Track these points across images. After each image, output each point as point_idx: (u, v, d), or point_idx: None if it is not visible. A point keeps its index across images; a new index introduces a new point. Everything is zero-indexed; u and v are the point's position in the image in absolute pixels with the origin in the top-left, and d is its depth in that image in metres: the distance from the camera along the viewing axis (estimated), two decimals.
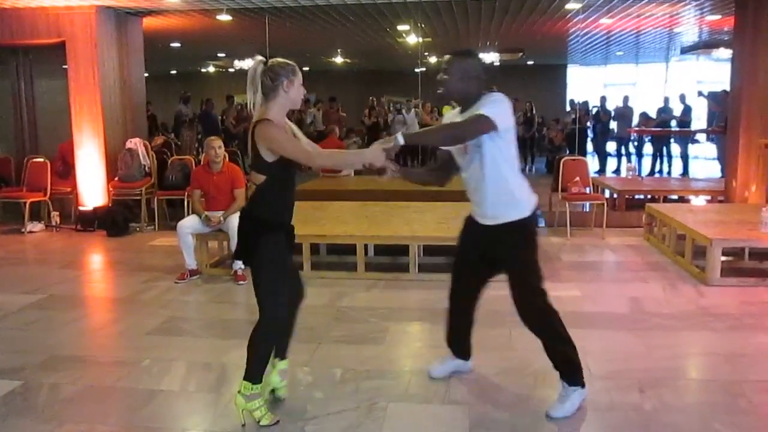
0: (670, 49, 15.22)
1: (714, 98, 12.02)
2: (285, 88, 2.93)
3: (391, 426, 3.07)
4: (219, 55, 15.99)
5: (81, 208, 8.25)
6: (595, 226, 7.68)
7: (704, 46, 13.19)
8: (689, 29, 11.61)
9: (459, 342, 3.51)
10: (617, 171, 12.95)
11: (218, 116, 13.41)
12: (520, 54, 14.88)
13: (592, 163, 12.16)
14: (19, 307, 4.97)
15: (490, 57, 14.44)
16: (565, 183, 7.76)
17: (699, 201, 8.65)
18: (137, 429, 3.09)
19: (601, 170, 12.74)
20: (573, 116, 12.99)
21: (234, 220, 5.62)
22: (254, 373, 3.00)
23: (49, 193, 8.19)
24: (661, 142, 12.67)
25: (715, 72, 14.76)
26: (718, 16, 9.68)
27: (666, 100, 13.56)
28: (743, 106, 7.58)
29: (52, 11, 8.05)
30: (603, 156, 13.33)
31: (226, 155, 6.04)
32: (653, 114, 13.15)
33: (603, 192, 8.84)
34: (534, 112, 13.81)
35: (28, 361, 3.86)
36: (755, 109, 7.45)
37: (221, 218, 5.65)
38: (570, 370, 3.13)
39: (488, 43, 13.59)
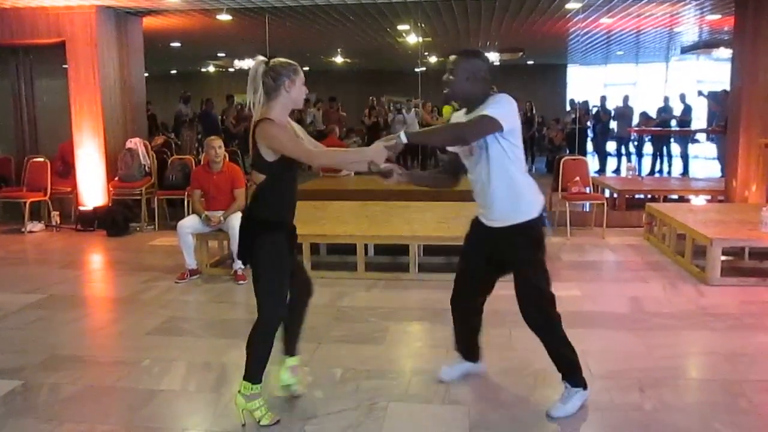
0: (670, 49, 15.20)
1: (714, 98, 12.01)
2: (287, 88, 2.93)
3: (391, 426, 3.07)
4: (219, 54, 15.97)
5: (81, 207, 8.26)
6: (595, 226, 7.69)
7: (704, 45, 13.17)
8: (689, 29, 11.60)
9: (467, 345, 3.47)
10: (617, 171, 12.94)
11: (218, 116, 13.40)
12: (520, 54, 14.86)
13: (592, 162, 12.15)
14: (20, 307, 4.97)
15: (490, 57, 14.43)
16: (565, 183, 7.76)
17: (699, 201, 8.64)
18: (137, 429, 3.09)
19: (601, 170, 12.73)
20: (573, 116, 12.97)
21: (234, 220, 5.62)
22: (253, 372, 3.00)
23: (49, 192, 8.19)
24: (661, 142, 12.66)
25: (715, 72, 14.73)
26: (718, 16, 9.67)
27: (666, 99, 13.54)
28: (743, 105, 7.58)
29: (52, 11, 8.05)
30: (603, 156, 13.32)
31: (226, 155, 6.04)
32: (653, 114, 13.13)
33: (603, 192, 8.83)
34: (534, 111, 13.79)
35: (28, 361, 3.86)
36: (755, 108, 7.45)
37: (221, 218, 5.65)
38: (572, 372, 3.13)
39: (488, 43, 13.58)
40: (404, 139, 2.84)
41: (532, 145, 13.59)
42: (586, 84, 18.51)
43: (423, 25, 11.08)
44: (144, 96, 9.33)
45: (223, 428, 3.07)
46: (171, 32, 11.17)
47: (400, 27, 11.40)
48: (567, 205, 7.43)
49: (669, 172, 12.41)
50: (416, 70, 12.74)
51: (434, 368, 3.69)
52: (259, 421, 3.02)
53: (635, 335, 4.23)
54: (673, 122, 13.01)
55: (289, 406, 3.26)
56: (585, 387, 3.15)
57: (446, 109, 13.57)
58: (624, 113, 13.07)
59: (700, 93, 12.74)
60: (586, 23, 10.39)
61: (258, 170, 2.95)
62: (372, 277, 5.64)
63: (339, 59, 16.15)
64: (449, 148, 3.23)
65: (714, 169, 11.89)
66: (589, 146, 13.65)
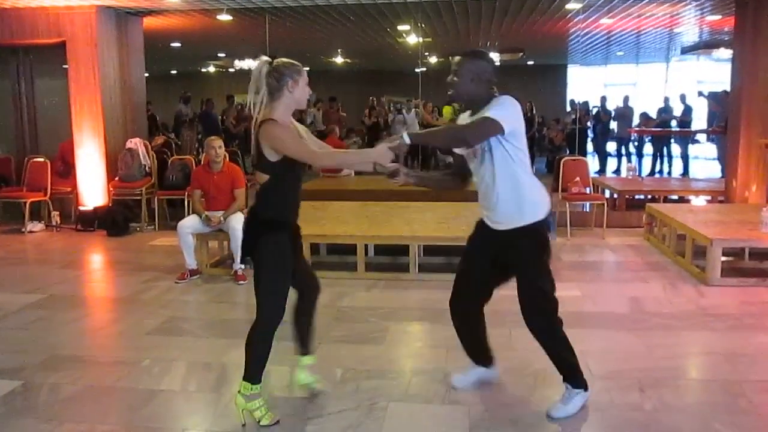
0: (670, 49, 15.20)
1: (714, 98, 12.01)
2: (290, 89, 2.94)
3: (391, 426, 3.07)
4: (219, 55, 15.97)
5: (81, 207, 8.26)
6: (596, 226, 7.69)
7: (705, 46, 13.17)
8: (690, 29, 11.60)
9: (475, 350, 3.39)
10: (617, 171, 12.94)
11: (218, 116, 13.40)
12: (521, 54, 14.85)
13: (593, 163, 12.15)
14: (20, 307, 4.97)
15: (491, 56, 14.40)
16: (565, 183, 7.76)
17: (699, 201, 8.64)
18: (137, 429, 3.09)
19: (602, 170, 12.73)
20: (573, 116, 12.97)
21: (234, 220, 5.63)
22: (253, 373, 3.00)
23: (49, 192, 8.19)
24: (661, 142, 12.66)
25: (716, 72, 14.72)
26: (719, 17, 9.68)
27: (666, 100, 13.54)
28: (743, 106, 7.58)
29: (52, 11, 8.05)
30: (603, 156, 13.32)
31: (227, 155, 6.04)
32: (653, 114, 13.13)
33: (603, 192, 8.84)
34: (534, 112, 13.79)
35: (28, 361, 3.86)
36: (755, 109, 7.45)
37: (221, 218, 5.66)
38: (572, 374, 3.13)
39: (488, 43, 13.58)
40: (407, 140, 2.84)
41: (533, 145, 13.54)
42: (586, 84, 18.50)
43: (423, 26, 11.08)
44: (144, 96, 9.33)
45: (224, 428, 3.07)
46: (171, 32, 11.17)
47: (401, 27, 11.40)
48: (567, 205, 7.43)
49: (669, 173, 12.41)
50: (416, 70, 12.74)
51: (434, 368, 3.70)
52: (259, 421, 3.02)
53: (635, 335, 4.23)
54: (674, 123, 13.01)
55: (290, 405, 3.26)
56: (586, 388, 3.14)
57: (446, 109, 13.57)
58: (624, 114, 13.07)
59: (700, 93, 12.73)
60: (586, 23, 10.39)
61: (261, 170, 2.95)
62: (372, 277, 5.64)
63: (339, 59, 16.15)
64: (456, 150, 3.19)
65: (714, 170, 11.89)
66: (590, 146, 13.64)
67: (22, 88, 9.40)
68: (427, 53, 14.37)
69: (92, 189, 8.31)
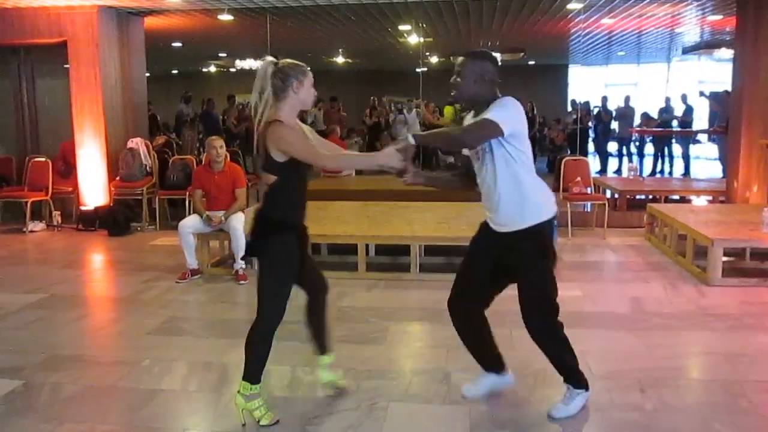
0: (671, 50, 15.19)
1: (715, 98, 11.99)
2: (295, 90, 2.95)
3: (391, 426, 3.07)
4: (220, 54, 15.97)
5: (82, 207, 8.26)
6: (597, 226, 7.68)
7: (706, 46, 13.16)
8: (691, 29, 11.60)
9: (484, 353, 3.29)
10: (618, 171, 12.92)
11: (219, 116, 13.40)
12: (522, 54, 14.84)
13: (594, 163, 12.14)
14: (20, 307, 4.97)
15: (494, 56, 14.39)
16: (566, 183, 7.76)
17: (700, 201, 8.64)
18: (138, 429, 3.09)
19: (603, 170, 12.71)
20: (574, 116, 12.95)
21: (235, 220, 5.63)
22: (252, 372, 3.00)
23: (50, 192, 8.20)
24: (662, 143, 12.65)
25: (717, 72, 14.71)
26: (720, 17, 9.67)
27: (667, 100, 13.52)
28: (745, 106, 7.57)
29: (53, 11, 8.05)
30: (604, 156, 13.31)
31: (228, 155, 6.04)
32: (655, 114, 13.12)
33: (604, 192, 8.83)
34: (535, 112, 13.78)
35: (28, 361, 3.87)
36: (757, 109, 7.45)
37: (222, 218, 5.66)
38: (573, 376, 3.12)
39: (489, 43, 13.56)
40: (412, 141, 2.85)
41: (534, 145, 13.50)
42: (587, 84, 18.49)
43: (424, 25, 11.07)
44: (145, 96, 9.34)
45: (224, 428, 3.07)
46: (172, 32, 11.17)
47: (402, 27, 11.40)
48: (568, 205, 7.43)
49: (670, 173, 12.40)
50: (417, 70, 12.73)
51: (435, 368, 3.70)
52: (258, 421, 3.02)
53: (636, 335, 4.23)
54: (675, 123, 12.99)
55: (290, 405, 3.26)
56: (587, 388, 3.14)
57: (447, 109, 13.57)
58: (625, 114, 13.05)
59: (701, 93, 12.71)
60: (587, 23, 10.38)
61: (268, 172, 2.95)
62: (373, 277, 5.65)
63: (340, 59, 16.15)
64: (464, 151, 3.18)
65: (715, 170, 11.88)
66: (591, 146, 13.63)
67: (23, 88, 9.40)
68: (428, 53, 14.37)
69: (93, 189, 8.32)
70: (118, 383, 3.60)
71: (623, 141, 13.29)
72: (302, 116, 3.12)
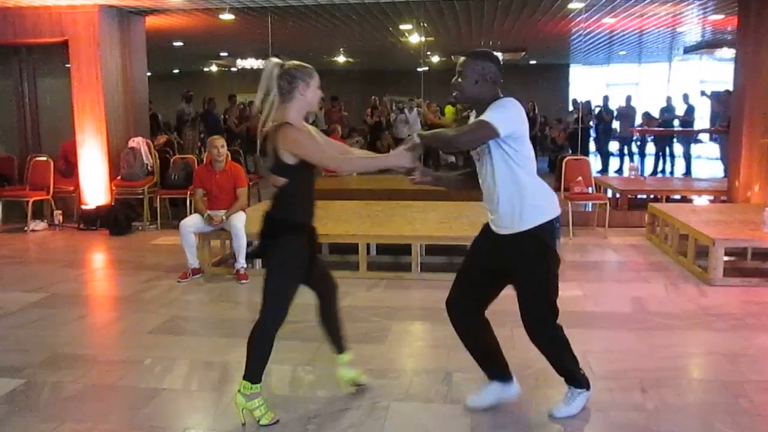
0: (672, 49, 15.18)
1: (717, 98, 12.00)
2: (302, 91, 2.95)
3: (392, 425, 3.07)
4: (221, 54, 15.99)
5: (83, 206, 8.26)
6: (598, 226, 7.68)
7: (707, 45, 13.16)
8: (692, 29, 11.59)
9: (486, 358, 3.18)
10: (620, 171, 12.92)
11: (220, 115, 13.42)
12: (523, 53, 14.84)
13: (595, 162, 12.14)
14: (22, 306, 4.97)
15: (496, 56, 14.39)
16: (567, 182, 7.76)
17: (701, 201, 8.64)
18: (139, 428, 3.09)
19: (604, 170, 12.72)
20: (575, 116, 12.95)
21: (236, 219, 5.63)
22: (253, 372, 3.00)
23: (51, 191, 8.20)
24: (663, 142, 12.65)
25: (718, 72, 14.73)
26: (721, 16, 9.66)
27: (669, 99, 13.52)
28: (746, 105, 7.56)
29: (55, 10, 8.05)
30: (605, 156, 13.31)
31: (229, 154, 6.04)
32: (656, 114, 13.12)
33: (605, 192, 8.83)
34: (536, 111, 13.79)
35: (30, 360, 3.87)
36: (758, 108, 7.44)
37: (223, 217, 5.66)
38: (573, 378, 3.12)
39: (491, 43, 13.56)
40: (417, 140, 2.86)
41: (535, 145, 13.52)
42: (588, 84, 18.50)
43: (425, 25, 11.07)
44: (146, 95, 9.34)
45: (225, 427, 3.07)
46: (174, 31, 11.18)
47: (403, 26, 11.39)
48: (569, 205, 7.43)
49: (671, 172, 12.40)
50: (418, 69, 12.73)
51: (436, 368, 3.70)
52: (258, 421, 3.02)
53: (637, 335, 4.22)
54: (676, 122, 13.00)
55: (291, 405, 3.26)
56: (588, 387, 3.14)
57: (449, 109, 13.57)
58: (627, 113, 13.06)
59: (702, 93, 12.72)
60: (588, 23, 10.38)
61: (278, 174, 2.95)
62: (374, 276, 5.65)
63: (341, 59, 16.16)
64: (471, 152, 3.16)
65: (717, 170, 11.88)
66: (592, 146, 13.63)
67: (24, 88, 9.42)
68: (429, 52, 14.36)
69: (94, 188, 8.32)
70: (119, 382, 3.61)
71: (624, 140, 13.30)
72: (304, 116, 3.12)
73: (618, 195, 8.66)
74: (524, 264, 2.94)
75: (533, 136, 13.54)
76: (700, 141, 13.59)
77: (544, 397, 3.30)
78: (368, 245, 5.94)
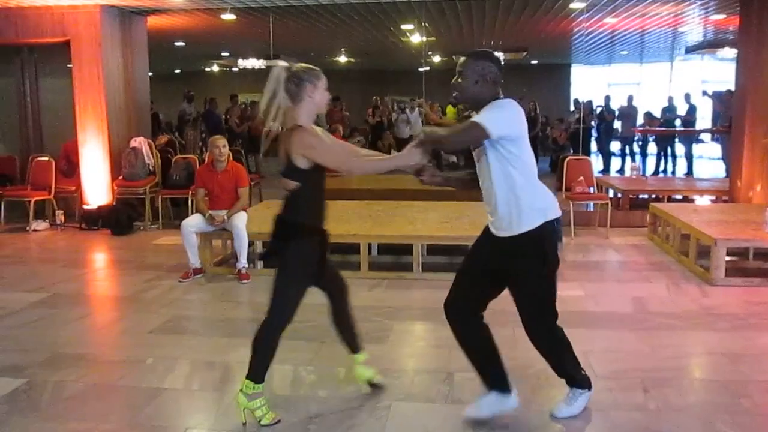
0: (674, 49, 15.17)
1: (718, 98, 11.98)
2: (310, 94, 2.95)
3: (394, 425, 3.07)
4: (223, 54, 15.99)
5: (85, 206, 8.27)
6: (599, 226, 7.68)
7: (709, 45, 13.14)
8: (694, 29, 11.58)
9: (485, 365, 3.08)
10: (621, 170, 12.92)
11: (222, 115, 13.42)
12: (524, 53, 14.83)
13: (596, 162, 12.13)
14: (23, 306, 4.98)
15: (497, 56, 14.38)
16: (569, 182, 7.76)
17: (703, 201, 8.63)
18: (140, 427, 3.09)
19: (605, 170, 12.72)
20: (577, 116, 12.94)
21: (238, 219, 5.63)
22: (257, 371, 3.00)
23: (53, 191, 8.21)
24: (665, 142, 12.64)
25: (720, 71, 14.72)
26: (723, 16, 9.65)
27: (670, 99, 13.52)
28: (748, 105, 7.56)
29: (56, 10, 8.06)
30: (607, 155, 13.31)
31: (230, 154, 6.05)
32: (657, 113, 13.11)
33: (607, 191, 8.83)
34: (538, 111, 13.78)
35: (32, 359, 3.87)
36: (760, 108, 7.43)
37: (225, 217, 5.66)
38: (573, 379, 3.12)
39: (492, 42, 13.57)
40: (423, 136, 2.87)
41: (536, 144, 13.59)
42: (590, 84, 18.50)
43: (427, 25, 11.07)
44: (148, 95, 9.35)
45: (226, 427, 3.07)
46: (175, 31, 11.19)
47: (404, 26, 11.40)
48: (571, 204, 7.42)
49: (673, 172, 12.39)
50: (420, 69, 12.73)
51: (437, 368, 3.70)
52: (259, 421, 3.02)
53: (639, 335, 4.22)
54: (678, 122, 12.99)
55: (293, 405, 3.26)
56: (590, 388, 3.13)
57: (450, 109, 13.57)
58: (628, 113, 13.05)
59: (704, 93, 12.71)
60: (590, 23, 10.38)
61: (290, 178, 2.95)
62: (375, 276, 5.65)
63: (342, 58, 16.16)
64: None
65: (718, 169, 11.87)
66: (593, 146, 13.63)
67: (26, 87, 9.42)
68: (430, 52, 14.36)
69: (96, 188, 8.33)
70: (120, 382, 3.61)
71: (626, 140, 13.30)
72: (314, 118, 3.11)
73: (619, 195, 8.66)
74: (523, 266, 2.91)
75: (535, 135, 13.61)
76: (701, 141, 13.57)
77: (546, 397, 3.29)
78: (369, 245, 5.94)
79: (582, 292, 5.20)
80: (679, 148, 12.71)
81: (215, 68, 18.39)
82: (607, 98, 13.58)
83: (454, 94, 2.95)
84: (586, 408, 3.13)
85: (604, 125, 13.25)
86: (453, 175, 3.45)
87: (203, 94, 14.21)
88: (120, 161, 8.30)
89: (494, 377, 3.07)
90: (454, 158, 11.92)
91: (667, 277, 5.63)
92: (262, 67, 13.19)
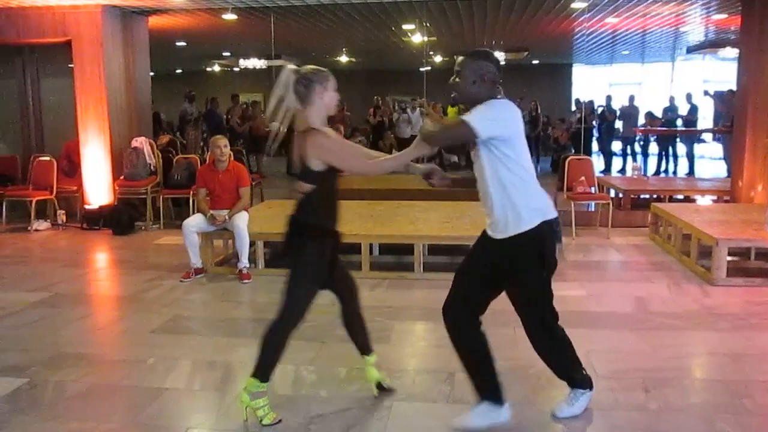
0: (676, 49, 15.17)
1: (720, 98, 11.97)
2: (319, 95, 2.96)
3: (395, 425, 3.07)
4: (224, 54, 16.01)
5: (87, 206, 8.28)
6: (600, 226, 7.67)
7: (710, 45, 13.14)
8: (695, 28, 11.57)
9: (479, 373, 3.02)
10: (622, 170, 12.91)
11: (223, 115, 13.43)
12: (525, 53, 14.83)
13: (598, 162, 12.13)
14: (25, 305, 4.98)
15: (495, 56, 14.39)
16: (570, 182, 7.75)
17: (705, 201, 8.62)
18: (141, 427, 3.10)
19: (607, 170, 12.71)
20: (578, 115, 12.94)
21: (239, 219, 5.63)
22: (263, 370, 3.01)
23: (54, 191, 8.22)
24: (666, 142, 12.62)
25: (722, 71, 14.69)
26: (725, 15, 9.65)
27: (672, 99, 13.50)
28: (749, 105, 7.55)
29: (58, 10, 8.07)
30: (608, 155, 13.30)
31: (232, 154, 6.05)
32: (659, 113, 13.10)
33: (608, 191, 8.82)
34: (539, 111, 13.77)
35: (33, 359, 3.88)
36: (761, 108, 7.42)
37: (226, 217, 5.66)
38: (573, 380, 3.11)
39: (493, 42, 13.56)
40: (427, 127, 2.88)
41: (537, 144, 13.59)
42: (591, 83, 18.49)
43: (428, 25, 11.07)
44: (149, 95, 9.36)
45: (227, 427, 3.08)
46: (176, 31, 11.19)
47: (405, 26, 11.40)
48: (572, 204, 7.42)
49: (674, 172, 12.38)
50: (421, 69, 12.73)
51: (439, 368, 3.70)
52: (260, 421, 3.02)
53: (640, 335, 4.22)
54: (679, 122, 12.97)
55: (294, 404, 3.27)
56: (591, 388, 3.13)
57: (451, 110, 13.55)
58: (629, 113, 13.04)
59: (705, 93, 12.69)
60: (591, 23, 10.37)
61: (305, 180, 2.95)
62: (377, 276, 5.64)
63: (344, 58, 16.16)
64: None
65: (720, 169, 11.85)
66: (595, 146, 13.63)
67: (28, 87, 9.43)
68: (431, 52, 14.35)
69: (97, 188, 8.34)
70: (122, 382, 3.61)
71: (627, 140, 13.29)
72: (324, 119, 3.10)
73: (621, 195, 8.64)
74: (521, 267, 2.88)
75: (536, 135, 13.61)
76: (703, 141, 13.56)
77: (547, 397, 3.29)
78: (371, 245, 5.94)
79: (583, 292, 5.19)
80: (681, 148, 12.70)
81: (216, 68, 18.39)
82: (609, 98, 13.57)
83: (452, 95, 2.93)
84: (588, 408, 3.12)
85: (606, 125, 13.24)
86: (462, 177, 3.41)
87: (204, 94, 14.22)
88: (121, 161, 8.31)
89: (487, 386, 2.98)
90: (455, 158, 11.93)
91: (668, 277, 5.62)
92: (264, 67, 13.20)
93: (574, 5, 9.06)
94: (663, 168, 12.57)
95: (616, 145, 13.66)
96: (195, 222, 5.73)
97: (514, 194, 2.80)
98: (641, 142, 13.64)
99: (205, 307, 5.17)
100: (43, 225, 8.12)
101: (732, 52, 11.67)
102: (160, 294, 5.31)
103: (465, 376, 3.44)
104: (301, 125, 2.96)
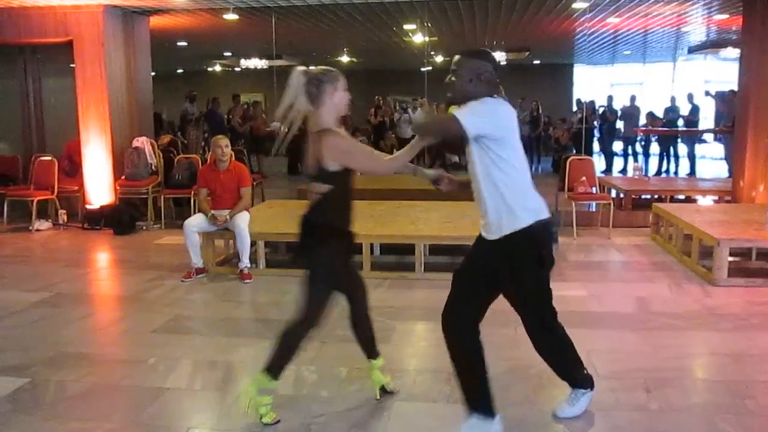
0: (677, 49, 15.15)
1: (721, 98, 11.96)
2: (330, 95, 2.96)
3: (396, 425, 3.08)
4: (225, 54, 16.01)
5: (88, 206, 8.29)
6: (602, 226, 7.67)
7: (712, 45, 13.12)
8: (697, 28, 11.56)
9: (473, 380, 2.92)
10: (624, 170, 12.90)
11: (224, 115, 13.43)
12: (527, 53, 14.82)
13: (599, 162, 12.12)
14: (26, 305, 4.99)
15: (497, 56, 14.36)
16: (571, 182, 7.75)
17: (706, 201, 8.62)
18: (143, 426, 3.10)
19: (608, 170, 12.70)
20: (579, 116, 12.94)
21: (240, 218, 5.64)
22: (277, 367, 3.01)
23: (56, 191, 8.23)
24: (668, 142, 12.61)
25: (723, 71, 14.67)
26: (726, 16, 9.64)
27: (673, 99, 13.49)
28: (751, 105, 7.54)
29: (59, 10, 8.08)
30: (609, 155, 13.29)
31: (233, 154, 6.05)
32: (660, 113, 13.09)
33: (609, 192, 8.81)
34: (540, 111, 13.77)
35: (34, 359, 3.88)
36: (763, 108, 7.41)
37: (227, 217, 5.67)
38: (574, 381, 3.11)
39: (494, 42, 13.56)
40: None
41: (538, 144, 13.60)
42: (592, 84, 18.47)
43: (429, 24, 11.06)
44: (150, 95, 9.36)
45: (229, 427, 3.08)
46: (178, 31, 11.20)
47: (407, 26, 11.39)
48: (573, 204, 7.41)
49: (676, 172, 12.36)
50: (422, 69, 12.72)
51: (440, 368, 3.69)
52: (261, 418, 3.02)
53: (641, 335, 4.21)
54: (680, 122, 12.96)
55: (295, 404, 3.27)
56: (592, 387, 3.13)
57: (451, 109, 13.53)
58: (631, 113, 13.04)
59: (707, 93, 12.68)
60: (592, 23, 10.36)
61: (320, 181, 2.95)
62: (378, 276, 5.64)
63: (345, 58, 16.15)
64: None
65: (721, 170, 11.85)
66: (596, 146, 13.62)
67: (29, 87, 9.44)
68: (432, 52, 14.35)
69: (99, 187, 8.35)
70: (123, 381, 3.62)
71: (628, 140, 13.28)
72: (336, 120, 3.09)
73: (622, 195, 8.64)
74: (516, 266, 2.83)
75: (537, 135, 13.61)
76: (704, 141, 13.54)
77: (548, 397, 3.29)
78: (372, 245, 5.94)
79: (584, 292, 5.19)
80: (682, 148, 12.68)
81: (218, 68, 18.39)
82: (610, 98, 13.55)
83: (448, 95, 2.87)
84: (589, 408, 3.12)
85: (607, 125, 13.24)
86: (467, 180, 3.37)
87: (206, 94, 14.22)
88: (123, 161, 8.31)
89: (479, 396, 2.90)
90: (456, 158, 11.93)
91: (669, 278, 5.62)
92: (265, 67, 13.20)
93: (575, 5, 9.05)
94: (664, 168, 12.56)
95: (618, 146, 13.65)
96: (196, 222, 5.74)
97: (507, 195, 2.75)
98: (642, 143, 13.63)
99: (206, 307, 5.18)
100: (44, 225, 8.12)
101: (733, 52, 11.65)
102: (161, 294, 5.31)
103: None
104: (313, 127, 2.96)
